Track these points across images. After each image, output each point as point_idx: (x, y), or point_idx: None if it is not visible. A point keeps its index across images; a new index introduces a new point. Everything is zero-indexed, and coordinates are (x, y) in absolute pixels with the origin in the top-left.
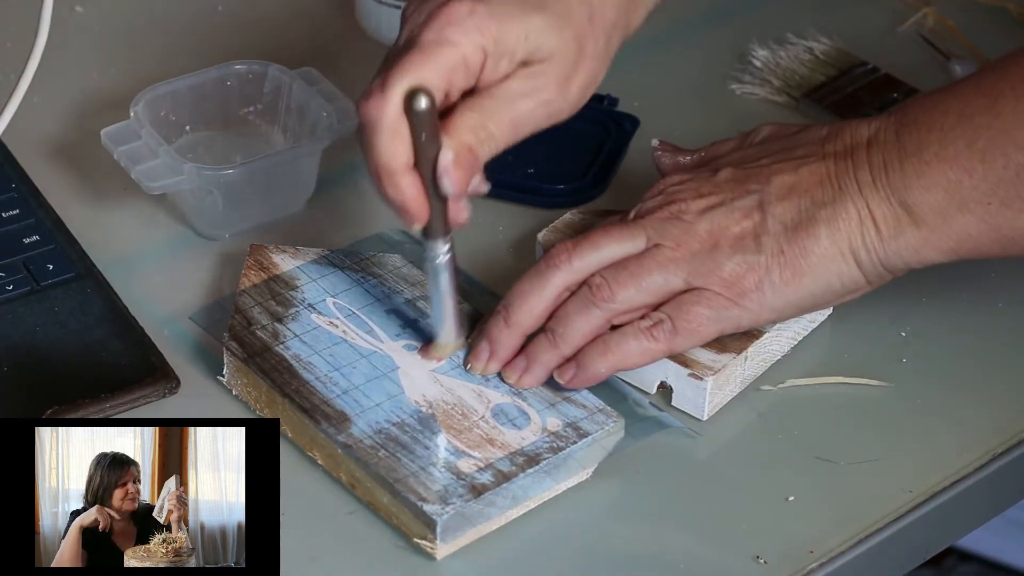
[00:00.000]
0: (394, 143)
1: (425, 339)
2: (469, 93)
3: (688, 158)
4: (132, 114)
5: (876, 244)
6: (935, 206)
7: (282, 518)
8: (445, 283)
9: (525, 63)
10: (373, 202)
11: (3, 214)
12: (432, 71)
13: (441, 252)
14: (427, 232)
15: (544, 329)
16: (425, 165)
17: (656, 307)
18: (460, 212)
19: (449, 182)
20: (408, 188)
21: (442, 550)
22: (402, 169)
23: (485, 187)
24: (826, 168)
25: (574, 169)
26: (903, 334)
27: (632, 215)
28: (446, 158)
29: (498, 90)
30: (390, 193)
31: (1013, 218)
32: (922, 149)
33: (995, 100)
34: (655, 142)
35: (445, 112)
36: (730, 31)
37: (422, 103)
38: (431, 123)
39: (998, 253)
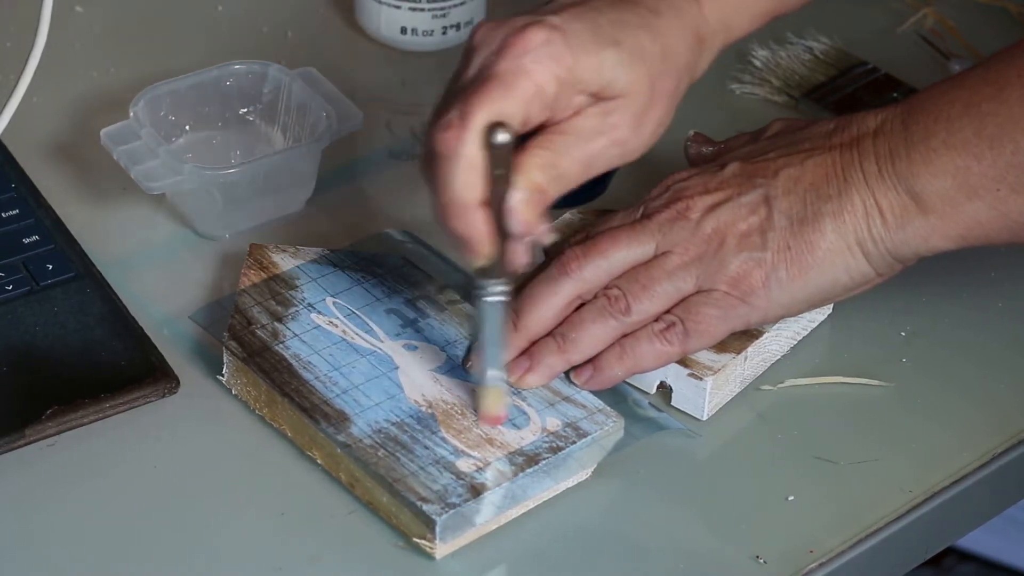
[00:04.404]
0: (470, 177)
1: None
2: (540, 127)
3: (710, 149)
4: (132, 114)
5: (883, 234)
6: (943, 193)
7: (282, 518)
8: (499, 326)
9: (598, 99)
10: (373, 202)
11: (3, 214)
12: (512, 103)
13: (498, 292)
14: (486, 271)
15: (552, 333)
16: (496, 201)
17: (668, 309)
18: (521, 255)
19: (517, 222)
20: (478, 224)
21: (441, 549)
22: (474, 204)
23: (549, 237)
24: (832, 160)
25: None
26: (903, 334)
27: (639, 213)
28: (516, 197)
29: (571, 127)
30: (458, 227)
31: (1022, 204)
32: (929, 137)
33: (1002, 88)
34: (691, 132)
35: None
36: None
37: (503, 137)
38: (508, 158)
39: (1007, 239)
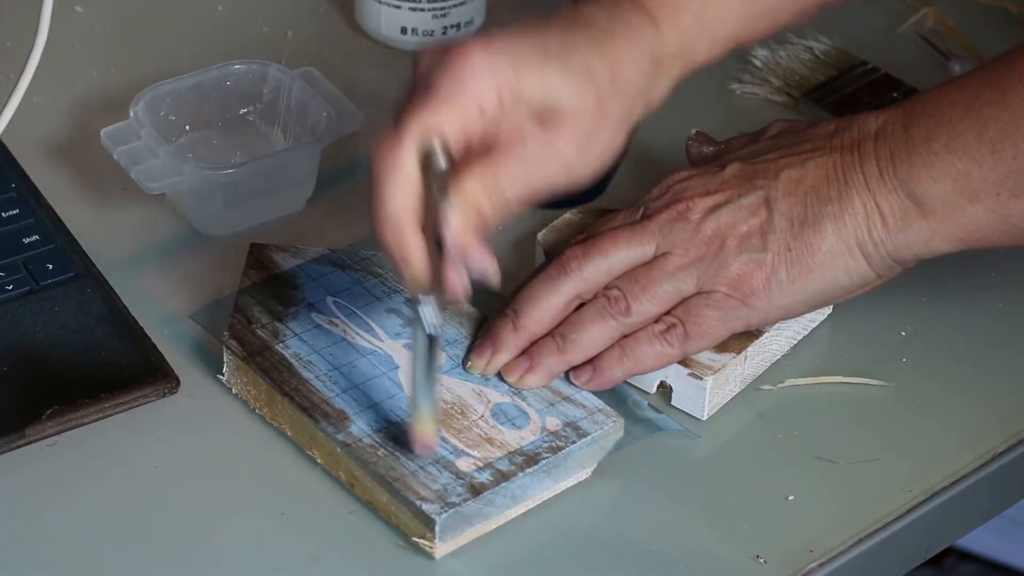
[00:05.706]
0: (405, 193)
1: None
2: (484, 147)
3: (711, 149)
4: (132, 114)
5: (883, 237)
6: (944, 197)
7: (281, 518)
8: (434, 354)
9: (543, 120)
10: None
11: (3, 214)
12: (448, 116)
13: (434, 318)
14: (422, 295)
15: (552, 333)
16: (432, 221)
17: (669, 311)
18: (456, 281)
19: (452, 243)
20: (410, 242)
21: (441, 549)
22: (408, 220)
23: (495, 277)
24: (832, 162)
25: None
26: (903, 334)
27: (639, 214)
28: (451, 218)
29: (515, 149)
30: (392, 246)
31: (1023, 209)
32: (931, 141)
33: (1003, 92)
34: (693, 132)
35: (458, 165)
36: None
37: (439, 153)
38: (445, 176)
39: (1008, 243)
